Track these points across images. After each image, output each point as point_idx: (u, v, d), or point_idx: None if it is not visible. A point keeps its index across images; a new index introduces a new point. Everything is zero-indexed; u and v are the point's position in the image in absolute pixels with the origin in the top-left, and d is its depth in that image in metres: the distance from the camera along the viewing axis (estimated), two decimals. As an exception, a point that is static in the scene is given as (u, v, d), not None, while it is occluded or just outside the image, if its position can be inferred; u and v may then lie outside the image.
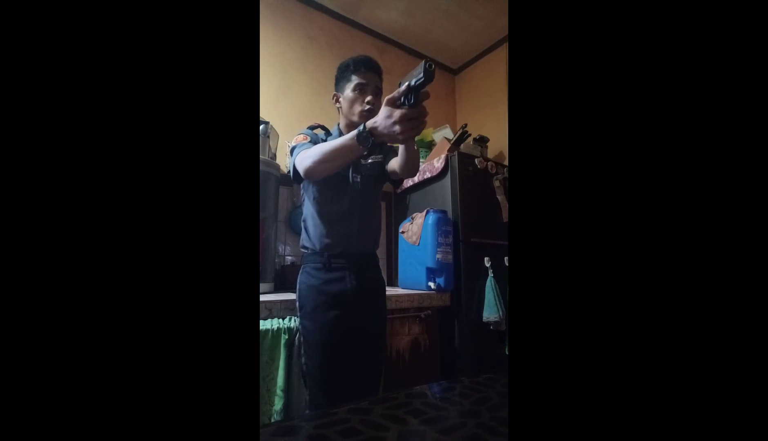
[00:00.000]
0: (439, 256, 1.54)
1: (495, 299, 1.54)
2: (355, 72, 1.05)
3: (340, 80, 1.08)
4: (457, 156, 1.69)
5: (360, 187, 1.08)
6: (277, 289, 1.53)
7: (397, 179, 1.13)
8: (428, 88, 0.73)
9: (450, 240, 1.58)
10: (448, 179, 1.72)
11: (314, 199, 1.07)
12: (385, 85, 1.11)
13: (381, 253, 2.12)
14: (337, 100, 1.11)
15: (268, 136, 1.55)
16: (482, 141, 2.06)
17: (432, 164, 1.79)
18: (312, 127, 1.14)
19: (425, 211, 1.63)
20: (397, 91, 0.75)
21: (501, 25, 2.24)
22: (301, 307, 1.05)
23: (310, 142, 1.03)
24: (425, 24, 2.28)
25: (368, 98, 1.04)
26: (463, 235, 1.63)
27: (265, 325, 1.12)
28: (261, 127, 1.51)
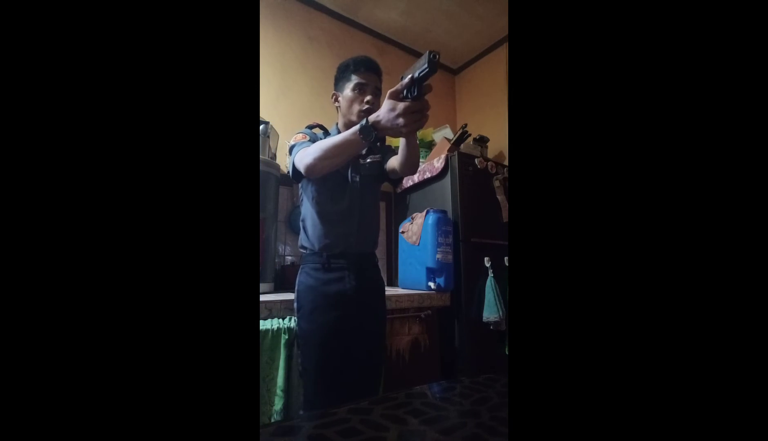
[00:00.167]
0: (439, 256, 1.54)
1: (495, 299, 1.54)
2: (355, 72, 1.05)
3: (340, 80, 1.09)
4: (457, 156, 1.69)
5: (359, 186, 1.08)
6: (277, 289, 1.53)
7: (396, 178, 1.13)
8: (429, 80, 0.72)
9: (450, 240, 1.58)
10: (448, 179, 1.72)
11: (313, 198, 1.07)
12: (384, 85, 1.11)
13: (381, 253, 2.12)
14: (336, 100, 1.11)
15: (268, 136, 1.55)
16: (482, 141, 2.06)
17: (432, 164, 1.79)
18: (310, 127, 1.14)
19: (425, 211, 1.63)
20: (400, 83, 0.75)
21: (501, 25, 2.24)
22: (299, 308, 1.04)
23: (309, 141, 1.03)
24: (425, 24, 2.28)
25: (367, 98, 1.04)
26: (463, 235, 1.63)
27: (265, 325, 1.12)
28: (261, 127, 1.51)
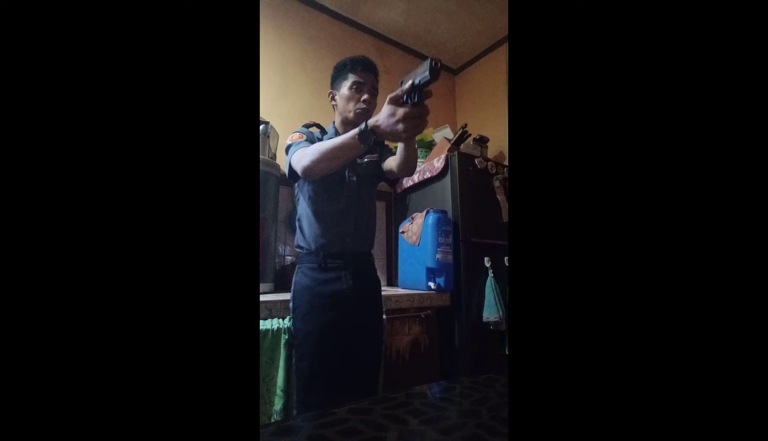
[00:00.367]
0: (439, 256, 1.54)
1: (495, 299, 1.54)
2: (353, 71, 1.05)
3: (337, 78, 1.09)
4: (457, 156, 1.69)
5: (356, 186, 1.08)
6: (277, 289, 1.53)
7: (393, 178, 1.13)
8: (430, 86, 0.73)
9: (450, 240, 1.58)
10: (448, 179, 1.72)
11: (309, 198, 1.07)
12: (384, 85, 1.11)
13: (381, 253, 2.12)
14: (333, 98, 1.11)
15: (268, 136, 1.55)
16: (482, 141, 2.06)
17: (432, 164, 1.79)
18: (307, 125, 1.14)
19: (425, 211, 1.63)
20: (400, 89, 0.75)
21: (501, 25, 2.24)
22: (295, 308, 1.04)
23: (306, 140, 1.03)
24: (425, 24, 2.28)
25: (364, 97, 1.04)
26: (463, 235, 1.63)
27: (265, 325, 1.12)
28: (261, 127, 1.51)
